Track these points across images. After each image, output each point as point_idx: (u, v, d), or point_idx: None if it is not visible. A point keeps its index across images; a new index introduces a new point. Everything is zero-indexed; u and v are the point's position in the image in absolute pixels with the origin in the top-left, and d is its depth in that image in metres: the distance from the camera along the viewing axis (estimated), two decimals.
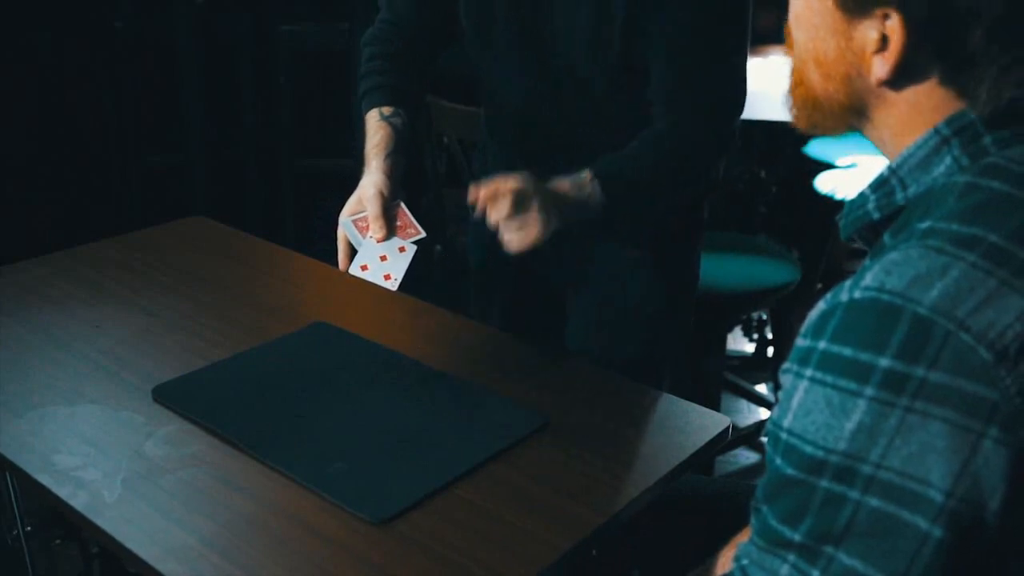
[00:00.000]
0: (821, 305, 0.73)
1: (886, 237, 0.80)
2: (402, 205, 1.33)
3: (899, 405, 0.67)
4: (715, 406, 2.28)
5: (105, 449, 1.16)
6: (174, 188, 3.36)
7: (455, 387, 1.30)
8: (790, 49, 0.86)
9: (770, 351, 2.99)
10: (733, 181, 2.93)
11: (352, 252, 1.31)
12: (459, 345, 1.44)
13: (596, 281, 1.57)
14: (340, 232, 1.31)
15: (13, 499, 1.53)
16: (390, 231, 1.29)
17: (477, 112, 1.71)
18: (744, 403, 2.87)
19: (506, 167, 1.57)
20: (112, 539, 1.02)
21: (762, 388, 2.90)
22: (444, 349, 1.41)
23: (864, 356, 0.68)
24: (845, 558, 0.69)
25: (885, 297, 0.68)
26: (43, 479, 1.10)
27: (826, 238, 2.70)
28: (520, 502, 1.08)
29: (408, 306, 1.56)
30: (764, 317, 3.02)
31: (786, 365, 0.74)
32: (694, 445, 1.20)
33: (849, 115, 0.83)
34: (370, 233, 1.29)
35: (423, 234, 1.32)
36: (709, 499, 1.33)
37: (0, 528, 1.59)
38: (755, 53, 3.04)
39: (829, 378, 0.70)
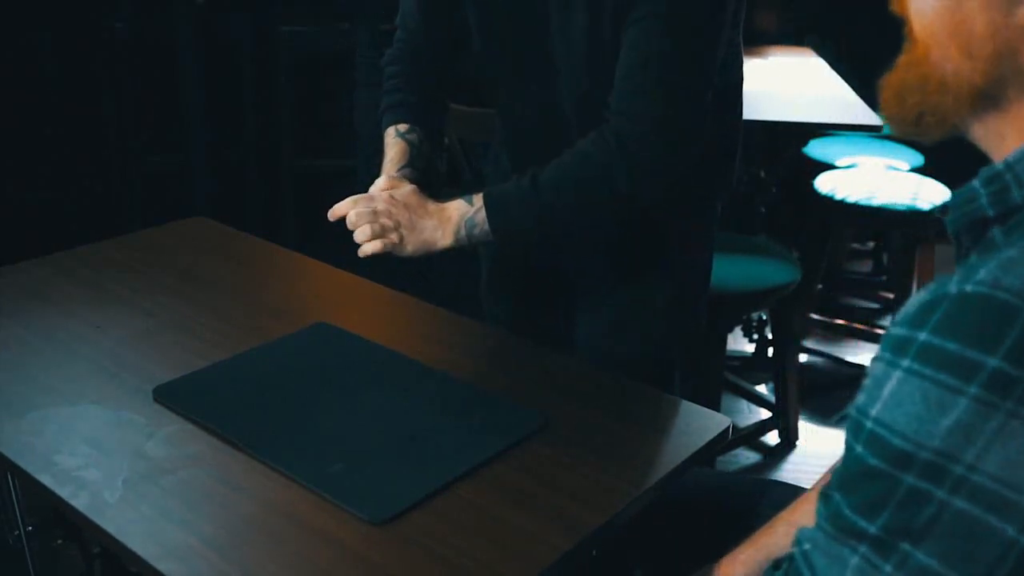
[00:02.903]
0: (923, 295, 0.70)
1: (997, 234, 0.74)
2: None
3: (1003, 408, 0.64)
4: (715, 406, 2.28)
5: (106, 449, 1.16)
6: (174, 188, 3.37)
7: (455, 387, 1.31)
8: (909, 26, 0.77)
9: (770, 351, 2.99)
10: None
11: None
12: (459, 345, 1.44)
13: (606, 279, 1.57)
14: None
15: (14, 499, 1.53)
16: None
17: (478, 112, 1.72)
18: (744, 403, 2.87)
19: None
20: (113, 539, 1.02)
21: (762, 388, 2.90)
22: (444, 349, 1.42)
23: (971, 353, 0.65)
24: (922, 556, 0.67)
25: (1000, 295, 0.65)
26: (44, 479, 1.10)
27: (826, 238, 2.70)
28: (520, 502, 1.09)
29: (408, 306, 1.56)
30: (764, 317, 3.02)
31: (877, 353, 0.71)
32: (694, 445, 1.20)
33: (977, 100, 0.75)
34: None
35: None
36: (709, 497, 1.33)
37: (1, 528, 1.60)
38: (755, 54, 3.06)
39: (928, 371, 0.67)
